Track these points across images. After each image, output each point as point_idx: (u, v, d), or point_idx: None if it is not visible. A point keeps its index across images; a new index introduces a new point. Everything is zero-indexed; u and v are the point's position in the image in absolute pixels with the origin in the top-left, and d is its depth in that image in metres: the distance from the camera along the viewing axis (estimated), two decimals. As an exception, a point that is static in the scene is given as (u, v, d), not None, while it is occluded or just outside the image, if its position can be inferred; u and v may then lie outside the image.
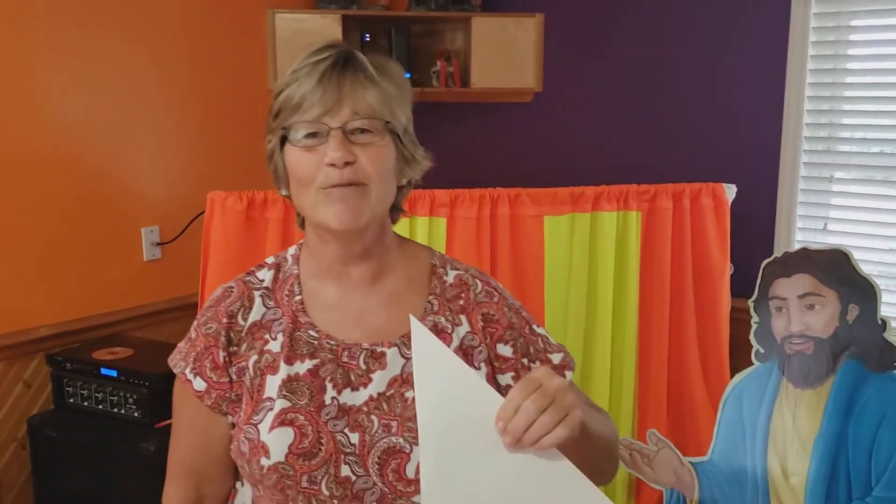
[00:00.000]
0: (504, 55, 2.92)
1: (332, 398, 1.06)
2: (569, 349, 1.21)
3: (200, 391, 1.11)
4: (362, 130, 1.04)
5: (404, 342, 1.09)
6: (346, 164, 1.02)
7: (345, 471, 1.04)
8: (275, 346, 1.10)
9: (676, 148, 2.84)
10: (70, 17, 2.37)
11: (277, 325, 1.11)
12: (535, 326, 1.19)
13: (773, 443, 2.00)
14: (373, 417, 1.05)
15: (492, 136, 3.21)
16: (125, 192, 2.55)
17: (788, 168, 2.63)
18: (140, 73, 2.56)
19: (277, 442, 1.04)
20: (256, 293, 1.13)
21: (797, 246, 2.55)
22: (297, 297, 1.12)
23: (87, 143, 2.45)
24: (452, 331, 1.12)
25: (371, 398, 1.06)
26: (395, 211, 1.15)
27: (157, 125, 2.63)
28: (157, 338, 2.62)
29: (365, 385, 1.07)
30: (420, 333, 0.97)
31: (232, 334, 1.11)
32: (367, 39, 2.95)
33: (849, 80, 2.57)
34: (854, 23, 2.53)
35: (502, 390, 1.12)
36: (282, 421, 1.05)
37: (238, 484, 1.17)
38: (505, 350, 1.14)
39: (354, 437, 1.04)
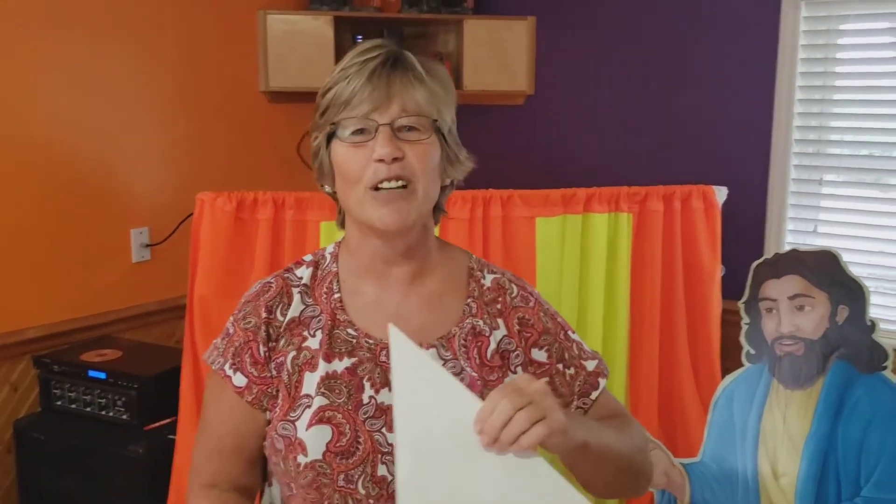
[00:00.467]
0: (496, 58, 2.93)
1: (371, 397, 1.07)
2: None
3: (241, 387, 1.10)
4: (409, 128, 1.05)
5: (443, 343, 1.11)
6: (394, 160, 1.03)
7: (381, 470, 1.04)
8: (313, 342, 1.10)
9: (667, 150, 2.85)
10: (57, 18, 2.35)
11: (316, 323, 1.11)
12: (570, 332, 1.19)
13: (763, 444, 2.00)
14: None
15: (484, 138, 3.20)
16: (114, 193, 2.54)
17: (779, 170, 2.65)
18: (130, 74, 2.55)
19: (315, 440, 1.04)
20: (295, 290, 1.13)
21: (787, 248, 2.57)
22: (336, 295, 1.13)
23: (76, 144, 2.44)
24: (490, 334, 1.13)
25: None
26: (437, 211, 1.16)
27: (146, 126, 2.62)
28: (147, 340, 2.61)
29: None
30: (398, 340, 0.97)
31: (271, 329, 1.11)
32: (359, 41, 2.94)
33: (838, 83, 2.58)
34: (843, 27, 2.54)
35: None
36: (320, 419, 1.05)
37: (265, 485, 1.16)
38: (540, 355, 1.15)
39: (392, 437, 1.04)
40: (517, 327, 1.14)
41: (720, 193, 2.33)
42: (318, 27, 2.80)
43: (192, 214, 2.07)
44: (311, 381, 1.07)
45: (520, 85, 2.94)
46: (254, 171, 2.89)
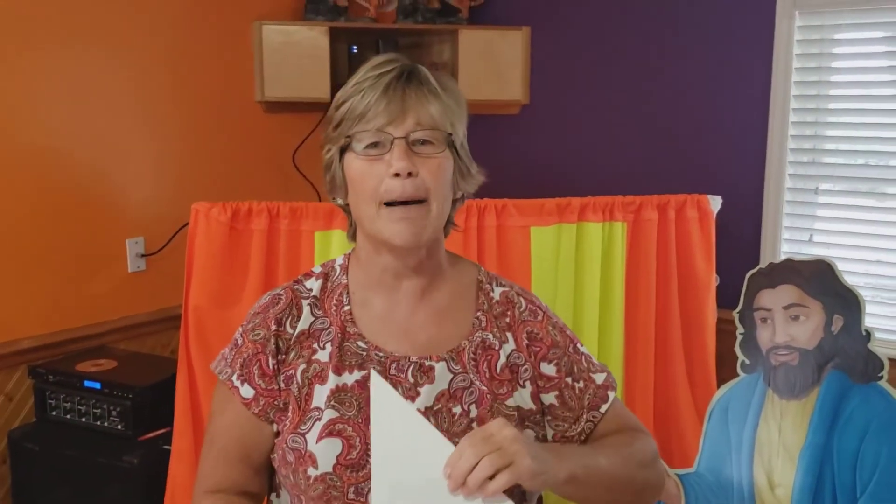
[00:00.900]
0: (491, 68, 2.93)
1: None
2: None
3: (248, 398, 1.10)
4: (424, 142, 1.06)
5: (452, 357, 1.11)
6: (409, 175, 1.04)
7: None
8: (323, 355, 1.10)
9: (662, 159, 2.85)
10: (54, 27, 2.36)
11: (326, 335, 1.11)
12: (578, 345, 1.20)
13: (759, 454, 2.00)
14: None
15: (479, 148, 3.18)
16: (110, 203, 2.54)
17: (774, 179, 2.65)
18: (126, 85, 2.55)
19: (325, 452, 1.05)
20: (304, 302, 1.14)
21: (782, 257, 2.57)
22: (346, 308, 1.13)
23: (72, 153, 2.44)
24: (500, 347, 1.13)
25: (418, 412, 1.06)
26: (448, 224, 1.17)
27: (142, 136, 2.62)
28: (142, 350, 2.60)
29: (413, 399, 1.08)
30: (379, 386, 0.98)
31: (280, 342, 1.11)
32: (355, 52, 2.96)
33: (833, 92, 2.59)
34: (838, 36, 2.55)
35: (546, 409, 1.13)
36: (330, 431, 1.06)
37: (272, 496, 1.17)
38: (549, 369, 1.15)
39: None
40: (526, 341, 1.15)
41: (715, 202, 2.33)
42: (314, 38, 2.81)
43: (187, 224, 2.07)
44: (321, 394, 1.08)
45: (515, 94, 2.94)
46: (249, 181, 2.89)
